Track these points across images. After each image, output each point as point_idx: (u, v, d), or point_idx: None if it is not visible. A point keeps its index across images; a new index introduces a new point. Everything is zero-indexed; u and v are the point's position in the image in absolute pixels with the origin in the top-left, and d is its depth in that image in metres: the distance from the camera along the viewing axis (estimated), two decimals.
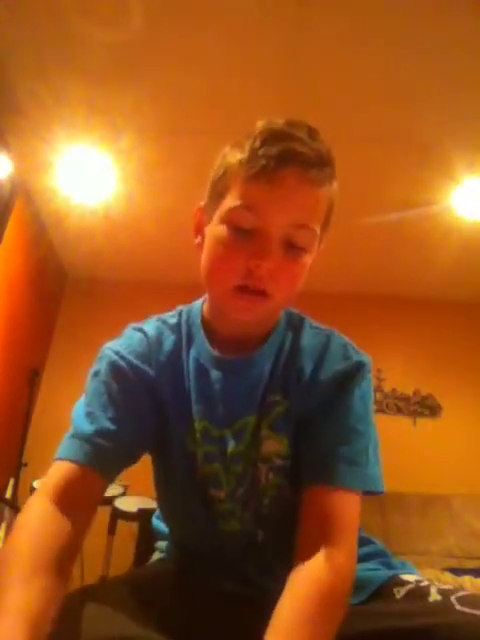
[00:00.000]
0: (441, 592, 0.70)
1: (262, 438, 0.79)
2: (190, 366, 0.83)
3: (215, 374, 0.81)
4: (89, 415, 0.79)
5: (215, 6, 2.14)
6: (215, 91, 2.50)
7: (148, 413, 0.82)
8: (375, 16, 2.12)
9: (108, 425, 0.78)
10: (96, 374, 0.84)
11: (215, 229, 0.76)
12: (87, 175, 3.00)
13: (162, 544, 0.96)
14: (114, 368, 0.83)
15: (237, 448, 0.80)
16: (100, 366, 0.85)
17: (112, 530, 2.76)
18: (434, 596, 0.69)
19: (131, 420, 0.79)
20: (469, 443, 3.59)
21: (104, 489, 0.78)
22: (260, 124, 0.77)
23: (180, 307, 0.93)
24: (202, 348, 0.84)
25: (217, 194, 0.79)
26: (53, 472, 0.76)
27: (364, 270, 3.72)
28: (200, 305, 0.89)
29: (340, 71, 2.36)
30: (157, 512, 0.99)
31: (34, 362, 3.55)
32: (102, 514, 2.79)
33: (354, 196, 2.89)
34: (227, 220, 0.74)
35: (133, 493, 2.75)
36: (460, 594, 0.68)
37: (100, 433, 0.77)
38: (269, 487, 0.79)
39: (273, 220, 0.72)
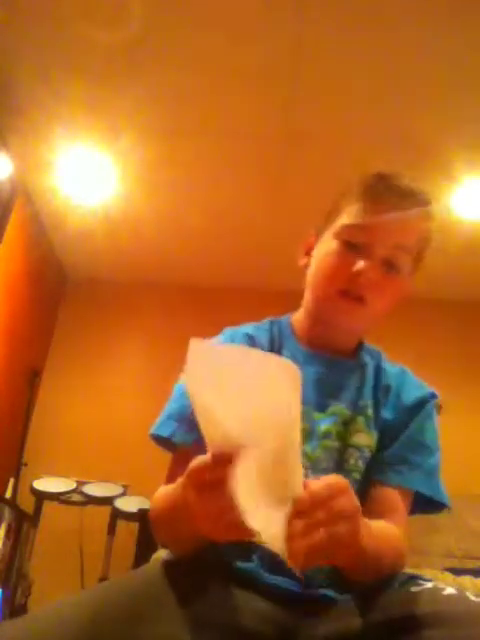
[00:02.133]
0: (456, 589, 0.75)
1: (356, 430, 0.90)
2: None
3: (308, 369, 0.87)
4: (188, 407, 0.88)
5: (215, 6, 2.14)
6: (215, 91, 2.50)
7: None
8: (375, 16, 2.12)
9: None
10: None
11: (326, 244, 0.93)
12: (87, 175, 3.00)
13: None
14: None
15: (329, 428, 0.89)
16: None
17: (112, 530, 2.76)
18: (449, 591, 0.73)
19: None
20: (469, 443, 3.58)
21: None
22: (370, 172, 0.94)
23: (268, 318, 1.04)
24: (295, 349, 0.95)
25: (330, 218, 0.94)
26: (175, 460, 0.88)
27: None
28: (288, 318, 1.02)
29: (340, 71, 2.36)
30: None
31: (34, 362, 3.55)
32: (102, 514, 2.80)
33: None
34: (338, 235, 0.91)
35: (133, 493, 2.75)
36: (473, 591, 0.73)
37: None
38: (355, 470, 0.88)
39: (378, 238, 0.88)
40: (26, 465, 3.16)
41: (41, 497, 2.78)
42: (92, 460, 3.18)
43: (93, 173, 2.98)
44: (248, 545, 0.80)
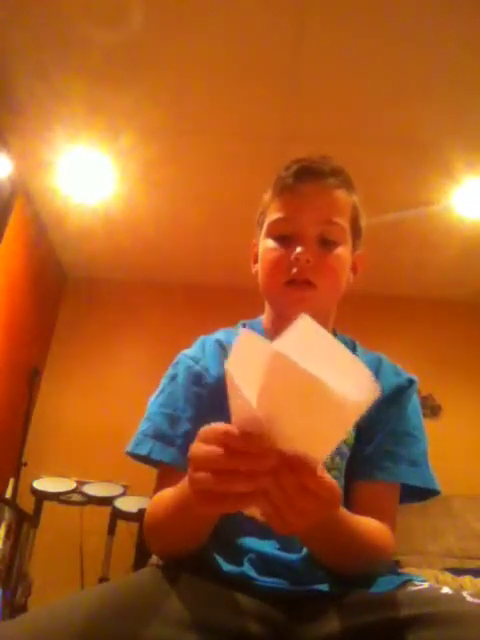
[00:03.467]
0: (452, 589, 0.74)
1: None
2: None
3: None
4: (169, 417, 0.89)
5: (215, 6, 2.14)
6: (215, 91, 2.50)
7: (223, 411, 0.85)
8: (375, 16, 2.12)
9: (189, 427, 0.86)
10: (173, 378, 0.94)
11: (262, 244, 0.96)
12: (87, 175, 3.00)
13: None
14: (191, 372, 0.92)
15: None
16: (177, 371, 0.95)
17: (112, 530, 2.76)
18: (446, 590, 0.72)
19: (208, 419, 0.82)
20: (469, 443, 3.58)
21: None
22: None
23: (242, 321, 1.05)
24: None
25: (261, 222, 0.98)
26: (158, 477, 0.89)
27: (363, 270, 3.72)
28: (261, 320, 1.02)
29: (340, 71, 2.36)
30: None
31: (34, 362, 3.55)
32: (102, 514, 2.80)
33: None
34: (269, 233, 0.94)
35: (133, 493, 2.75)
36: (470, 591, 0.72)
37: (184, 436, 0.86)
38: (332, 468, 0.85)
39: (303, 222, 0.91)
40: (26, 465, 3.16)
41: (41, 497, 2.78)
42: (92, 460, 3.18)
43: (93, 173, 2.98)
44: (239, 550, 0.80)
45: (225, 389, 0.81)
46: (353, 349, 0.98)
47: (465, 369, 3.79)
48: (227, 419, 0.81)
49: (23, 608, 2.59)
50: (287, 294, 0.90)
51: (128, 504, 2.67)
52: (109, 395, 3.68)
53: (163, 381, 0.96)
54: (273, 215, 0.94)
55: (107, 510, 2.76)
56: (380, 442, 0.87)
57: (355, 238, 0.97)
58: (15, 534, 2.65)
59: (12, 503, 2.76)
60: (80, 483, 2.81)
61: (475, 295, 3.82)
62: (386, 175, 2.84)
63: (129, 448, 0.89)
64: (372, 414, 0.86)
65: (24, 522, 2.71)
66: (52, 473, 2.91)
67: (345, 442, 0.87)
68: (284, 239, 0.91)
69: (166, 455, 0.86)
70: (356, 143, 2.66)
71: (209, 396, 0.88)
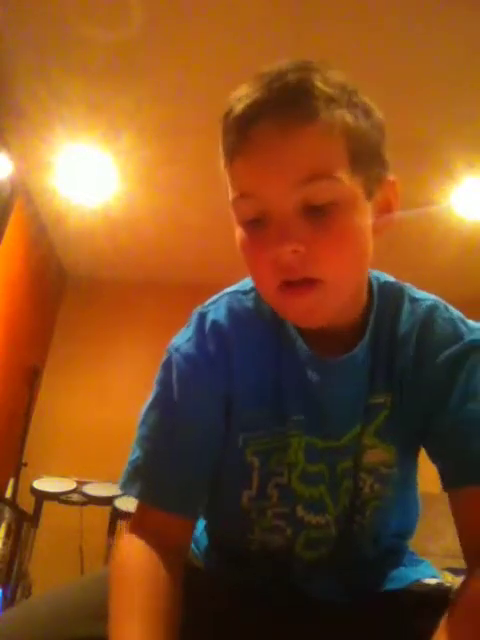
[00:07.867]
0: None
1: (365, 447, 0.70)
2: (283, 367, 0.71)
3: (317, 378, 0.69)
4: (155, 454, 0.71)
5: (215, 6, 2.14)
6: (215, 91, 2.49)
7: (221, 433, 0.72)
8: (375, 16, 2.12)
9: (180, 465, 0.69)
10: (163, 389, 0.72)
11: (236, 234, 0.65)
12: (87, 175, 3.00)
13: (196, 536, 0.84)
14: (183, 382, 0.70)
15: (347, 463, 0.71)
16: (166, 377, 0.72)
17: (112, 530, 2.76)
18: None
19: (204, 450, 0.71)
20: None
21: (193, 526, 0.74)
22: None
23: (232, 290, 0.76)
24: (297, 346, 0.70)
25: (227, 189, 0.66)
26: (139, 517, 0.71)
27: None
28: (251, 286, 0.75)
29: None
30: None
31: (34, 362, 3.55)
32: (102, 514, 2.80)
33: None
34: (236, 218, 0.64)
35: None
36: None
37: (173, 475, 0.69)
38: (374, 498, 0.72)
39: (269, 193, 0.59)
40: (26, 465, 3.16)
41: (41, 497, 2.79)
42: (92, 460, 3.18)
43: (93, 173, 2.98)
44: (246, 556, 0.76)
45: (222, 398, 0.70)
46: (400, 305, 0.73)
47: None
48: (219, 441, 0.71)
49: None
50: (286, 302, 0.63)
51: (128, 504, 2.67)
52: (109, 395, 3.68)
53: (155, 388, 0.74)
54: (232, 192, 0.63)
55: (107, 510, 2.76)
56: (459, 442, 0.64)
57: (366, 169, 0.64)
58: (15, 534, 2.65)
59: (12, 503, 2.76)
60: (80, 483, 2.81)
61: (475, 295, 3.82)
62: None
63: (120, 484, 0.73)
64: (430, 410, 0.66)
65: (24, 522, 2.71)
66: (52, 473, 2.91)
67: (385, 464, 0.70)
68: (256, 224, 0.61)
69: (151, 497, 0.69)
70: None
71: (204, 417, 0.71)
